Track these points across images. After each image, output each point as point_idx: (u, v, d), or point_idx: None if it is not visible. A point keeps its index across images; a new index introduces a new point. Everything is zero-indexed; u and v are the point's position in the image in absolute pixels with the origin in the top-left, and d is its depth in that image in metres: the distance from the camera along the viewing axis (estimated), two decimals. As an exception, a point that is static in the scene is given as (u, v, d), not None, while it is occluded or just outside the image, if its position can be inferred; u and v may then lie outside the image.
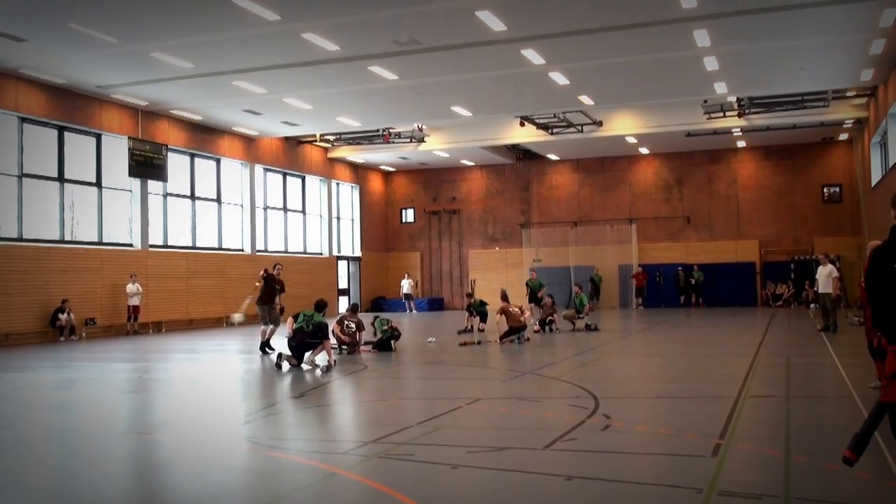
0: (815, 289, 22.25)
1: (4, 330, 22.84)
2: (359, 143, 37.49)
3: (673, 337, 22.22)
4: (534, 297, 25.05)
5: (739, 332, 22.68)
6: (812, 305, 34.54)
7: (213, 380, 14.56)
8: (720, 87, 26.34)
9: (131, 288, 26.27)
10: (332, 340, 16.94)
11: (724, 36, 20.85)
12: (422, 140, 36.17)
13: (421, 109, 29.64)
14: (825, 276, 20.90)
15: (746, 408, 9.83)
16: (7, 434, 9.43)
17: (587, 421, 8.94)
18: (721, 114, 31.24)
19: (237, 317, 19.61)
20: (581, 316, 24.09)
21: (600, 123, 33.22)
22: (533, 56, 22.17)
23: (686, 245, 39.23)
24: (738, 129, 33.86)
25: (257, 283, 19.17)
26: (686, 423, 9.03)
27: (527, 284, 25.89)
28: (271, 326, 18.38)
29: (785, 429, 8.52)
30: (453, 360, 16.23)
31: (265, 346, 18.26)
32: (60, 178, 25.38)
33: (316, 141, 37.27)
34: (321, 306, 15.99)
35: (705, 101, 29.91)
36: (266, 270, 19.00)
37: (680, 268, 38.47)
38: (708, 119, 31.59)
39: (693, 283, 37.90)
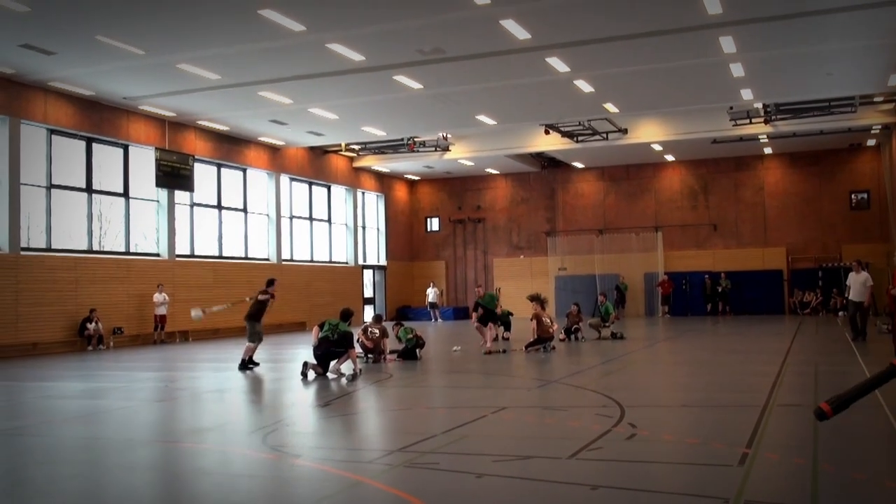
0: (846, 296, 21.45)
1: (33, 339, 23.09)
2: (384, 153, 37.60)
3: (699, 345, 22.08)
4: (490, 316, 20.60)
5: (766, 340, 22.50)
6: (840, 313, 34.27)
7: (238, 389, 14.63)
8: (746, 94, 26.20)
9: (158, 297, 26.49)
10: (358, 349, 16.98)
11: (749, 42, 20.74)
12: (446, 149, 36.22)
13: (445, 118, 29.69)
14: (860, 284, 20.14)
15: (774, 417, 9.75)
16: (37, 442, 9.53)
17: (613, 430, 8.90)
18: (747, 120, 31.07)
19: (195, 313, 18.73)
20: (607, 324, 23.99)
21: (625, 131, 33.13)
22: (558, 64, 22.17)
23: (713, 253, 38.99)
24: (765, 136, 33.62)
25: (247, 299, 18.52)
26: (712, 432, 8.97)
27: (477, 303, 21.15)
28: (255, 344, 17.59)
29: (813, 438, 8.44)
30: (478, 369, 16.21)
31: (248, 364, 17.43)
32: (88, 189, 25.65)
33: (341, 150, 37.41)
34: (347, 315, 16.02)
35: (731, 108, 29.75)
36: (269, 292, 17.95)
37: (707, 275, 38.23)
38: (734, 126, 31.42)
39: (720, 290, 37.63)
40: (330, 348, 15.27)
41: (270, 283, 18.18)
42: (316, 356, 15.39)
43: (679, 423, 9.89)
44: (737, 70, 23.11)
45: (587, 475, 7.04)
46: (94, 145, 25.92)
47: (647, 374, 15.61)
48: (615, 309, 26.50)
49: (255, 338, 17.53)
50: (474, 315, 20.98)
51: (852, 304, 20.73)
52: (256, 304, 17.79)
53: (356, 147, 37.27)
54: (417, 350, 18.52)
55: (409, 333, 18.67)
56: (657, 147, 35.54)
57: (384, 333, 18.43)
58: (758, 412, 9.90)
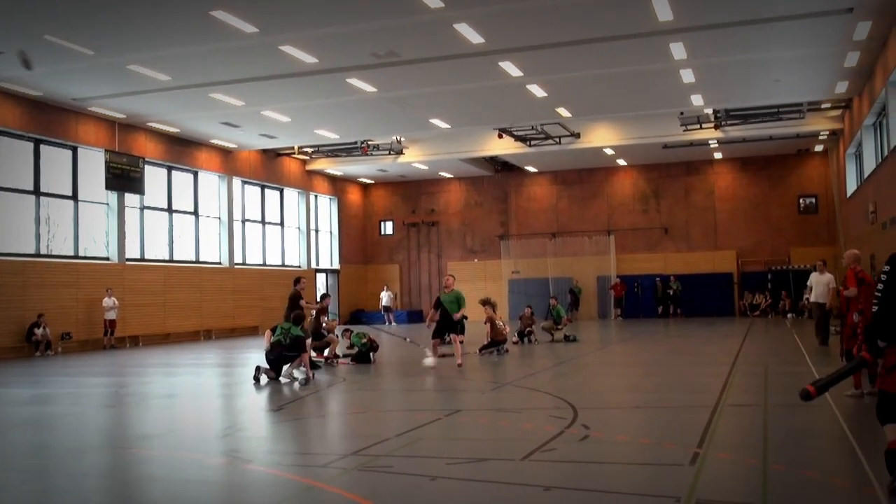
0: (807, 297, 20.49)
1: (-21, 345, 22.61)
2: (337, 156, 37.46)
3: (651, 347, 22.29)
4: (446, 325, 17.23)
5: (717, 342, 22.80)
6: (789, 315, 34.83)
7: (190, 394, 14.47)
8: (696, 99, 26.54)
9: (108, 302, 26.08)
10: (312, 353, 16.89)
11: (699, 49, 21.01)
12: (400, 152, 36.18)
13: (399, 122, 29.67)
14: (823, 285, 18.90)
15: (724, 417, 9.88)
16: (-19, 450, 9.33)
17: (566, 431, 8.95)
18: (698, 126, 31.46)
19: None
20: (559, 327, 24.13)
21: (578, 135, 33.36)
22: (511, 69, 22.26)
23: (664, 256, 39.44)
24: (715, 141, 34.11)
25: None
26: (664, 432, 9.06)
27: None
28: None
29: (763, 437, 8.57)
30: (432, 372, 16.19)
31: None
32: (36, 192, 25.18)
33: (294, 153, 37.20)
34: (298, 319, 15.93)
35: (682, 113, 30.10)
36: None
37: (658, 278, 38.66)
38: (685, 131, 31.80)
39: (672, 293, 38.10)
40: (282, 353, 15.17)
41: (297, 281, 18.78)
42: (268, 360, 15.28)
43: (631, 424, 9.97)
44: (687, 76, 23.41)
45: (540, 476, 7.07)
46: (42, 147, 25.45)
47: (599, 377, 15.72)
48: (568, 312, 26.69)
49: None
50: (432, 313, 17.63)
51: (816, 307, 19.55)
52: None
53: (309, 150, 37.09)
54: (371, 354, 18.48)
55: (363, 338, 18.64)
56: (609, 151, 35.85)
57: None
58: (709, 412, 10.02)
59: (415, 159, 36.81)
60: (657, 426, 9.67)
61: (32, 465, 8.52)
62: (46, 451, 9.21)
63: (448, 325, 17.18)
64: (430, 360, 16.67)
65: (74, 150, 26.57)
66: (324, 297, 19.39)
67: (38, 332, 23.84)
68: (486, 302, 20.82)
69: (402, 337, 20.74)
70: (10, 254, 24.12)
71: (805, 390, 5.80)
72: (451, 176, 42.32)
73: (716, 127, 31.63)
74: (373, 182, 44.08)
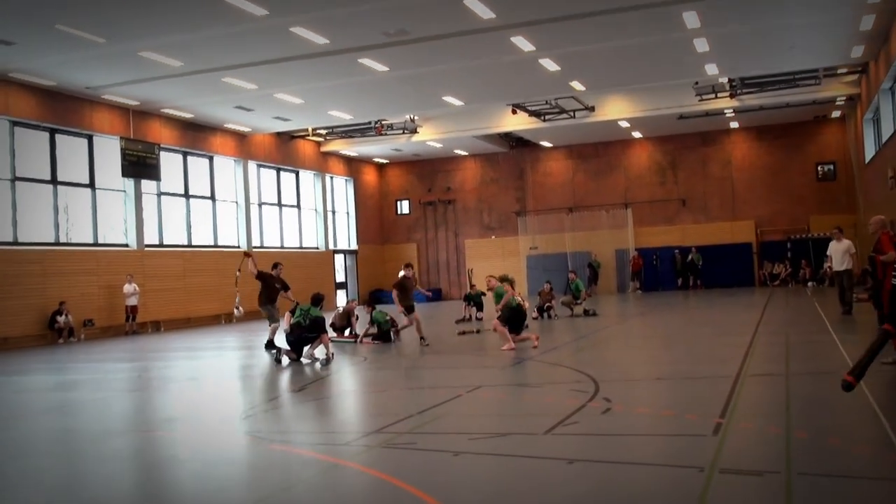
0: (829, 266, 20.16)
1: (3, 334, 22.82)
2: (351, 137, 37.45)
3: (671, 319, 22.23)
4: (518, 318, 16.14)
5: (737, 312, 22.70)
6: (810, 283, 34.62)
7: (213, 376, 14.57)
8: (711, 69, 26.32)
9: (128, 288, 26.25)
10: (331, 332, 16.96)
11: (713, 17, 20.81)
12: (414, 131, 36.11)
13: (412, 100, 29.60)
14: (841, 253, 18.69)
15: (746, 386, 9.85)
16: (11, 436, 9.43)
17: (588, 405, 8.95)
18: (713, 95, 31.23)
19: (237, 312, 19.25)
20: (578, 302, 24.09)
21: (592, 109, 33.18)
22: (522, 43, 22.14)
23: (682, 228, 39.25)
24: (731, 110, 33.85)
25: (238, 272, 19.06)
26: (686, 403, 9.05)
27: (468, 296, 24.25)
28: (275, 325, 17.96)
29: (785, 406, 8.54)
30: (453, 350, 16.22)
31: (270, 344, 17.81)
32: (54, 181, 25.32)
33: (308, 135, 37.20)
34: (318, 300, 15.97)
35: (696, 83, 29.89)
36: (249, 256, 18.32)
37: (677, 250, 38.48)
38: (700, 101, 31.57)
39: (691, 263, 37.85)
40: (302, 334, 15.23)
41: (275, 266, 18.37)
42: (289, 342, 15.35)
43: (653, 396, 9.95)
44: (701, 45, 23.20)
45: (564, 450, 7.07)
46: (58, 136, 25.56)
47: (620, 350, 15.69)
48: (587, 286, 26.57)
49: (272, 321, 17.33)
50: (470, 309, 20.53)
51: (837, 276, 19.24)
52: (262, 288, 17.69)
53: (323, 132, 37.09)
54: (392, 332, 18.54)
55: (386, 316, 18.71)
56: (624, 124, 35.64)
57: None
58: (731, 383, 9.98)
59: (429, 138, 36.73)
60: (679, 397, 9.66)
61: (59, 451, 8.60)
62: (72, 436, 9.30)
63: (519, 318, 16.00)
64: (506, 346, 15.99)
65: (90, 138, 26.67)
66: (275, 265, 18.77)
67: (61, 319, 24.04)
68: (503, 279, 20.62)
69: (475, 330, 20.14)
70: (30, 243, 24.31)
71: (845, 381, 5.73)
72: (466, 153, 42.21)
73: (731, 96, 31.37)
74: (388, 162, 44.05)
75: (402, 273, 18.28)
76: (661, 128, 37.36)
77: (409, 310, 17.72)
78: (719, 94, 31.23)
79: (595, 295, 34.21)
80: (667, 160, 39.73)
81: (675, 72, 27.05)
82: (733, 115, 34.99)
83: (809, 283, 34.82)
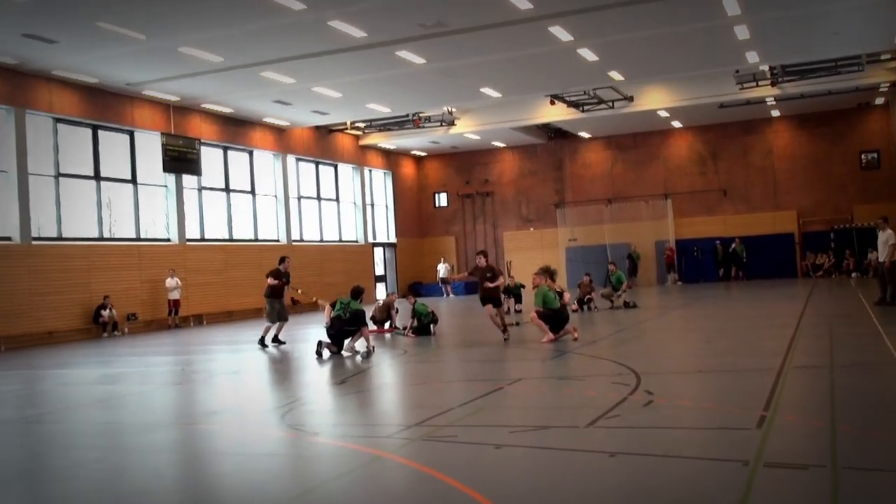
0: (874, 256, 19.57)
1: (49, 328, 23.20)
2: (389, 130, 37.53)
3: (713, 311, 22.05)
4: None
5: (780, 304, 22.46)
6: (854, 274, 34.15)
7: (254, 369, 14.69)
8: (752, 57, 25.99)
9: (171, 282, 26.56)
10: (372, 326, 17.03)
11: (754, 3, 20.54)
12: (452, 123, 36.10)
13: (450, 92, 29.57)
14: (881, 243, 18.47)
15: (790, 379, 9.74)
16: (57, 428, 9.59)
17: (629, 398, 8.90)
18: (754, 83, 30.83)
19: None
20: (619, 293, 23.94)
21: (631, 99, 32.93)
22: (560, 33, 22.01)
23: (723, 218, 38.83)
24: (772, 99, 33.42)
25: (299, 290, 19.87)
26: (729, 396, 8.96)
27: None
28: (278, 323, 18.06)
29: (830, 399, 8.44)
30: (492, 342, 16.21)
31: (264, 340, 17.89)
32: (96, 177, 25.66)
33: (347, 129, 37.33)
34: (358, 293, 16.04)
35: (737, 72, 29.53)
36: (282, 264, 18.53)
37: (718, 241, 38.09)
38: (741, 89, 31.20)
39: (733, 253, 37.34)
40: (343, 327, 15.30)
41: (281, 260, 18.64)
42: (329, 335, 15.43)
43: (695, 389, 9.88)
44: (741, 32, 22.91)
45: (605, 443, 7.05)
46: (100, 132, 25.90)
47: (661, 342, 15.59)
48: (627, 278, 26.33)
49: (272, 318, 18.04)
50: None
51: (879, 266, 19.03)
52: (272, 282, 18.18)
53: (361, 125, 37.20)
54: (432, 325, 18.57)
55: (427, 308, 18.75)
56: (664, 114, 35.34)
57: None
58: (774, 375, 9.88)
59: (467, 130, 36.70)
60: (722, 390, 9.57)
61: (104, 443, 8.72)
62: (117, 429, 9.43)
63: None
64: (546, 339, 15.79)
65: (131, 134, 26.99)
66: (282, 259, 18.84)
67: (105, 313, 24.38)
68: (545, 271, 20.29)
69: (514, 323, 19.62)
70: (74, 238, 24.68)
71: None
72: (504, 145, 42.11)
73: (772, 84, 30.95)
74: (426, 154, 44.08)
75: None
76: (701, 117, 36.97)
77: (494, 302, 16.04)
78: (760, 83, 30.82)
79: (635, 287, 33.97)
80: (707, 150, 39.32)
81: (715, 60, 26.74)
82: (774, 103, 34.55)
83: (853, 274, 34.33)
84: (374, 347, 15.49)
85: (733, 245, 37.42)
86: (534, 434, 7.49)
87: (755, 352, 12.76)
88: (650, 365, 11.71)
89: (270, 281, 18.09)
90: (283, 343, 17.88)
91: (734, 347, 13.59)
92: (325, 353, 15.19)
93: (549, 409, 8.96)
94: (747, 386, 9.61)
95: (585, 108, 33.71)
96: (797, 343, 13.13)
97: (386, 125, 36.86)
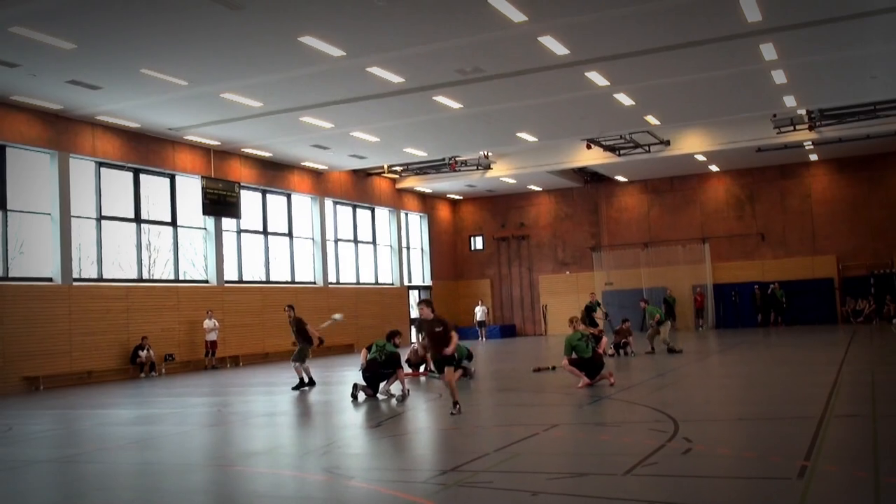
0: None
1: (87, 367, 23.44)
2: (426, 173, 37.76)
3: (752, 357, 21.78)
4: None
5: (820, 350, 22.15)
6: (895, 320, 33.60)
7: (290, 412, 14.72)
8: (789, 101, 25.90)
9: (208, 323, 26.77)
10: (407, 369, 17.01)
11: (791, 48, 20.52)
12: (488, 167, 36.25)
13: (486, 137, 29.73)
14: None
15: (832, 428, 9.58)
16: (94, 469, 9.66)
17: (667, 445, 8.80)
18: (791, 127, 30.69)
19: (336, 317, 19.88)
20: (653, 325, 23.57)
21: (668, 143, 32.91)
22: (597, 78, 22.11)
23: (761, 263, 38.44)
24: (810, 143, 33.19)
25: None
26: (770, 445, 8.83)
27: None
28: (297, 364, 18.23)
29: (873, 449, 8.28)
30: (528, 387, 16.13)
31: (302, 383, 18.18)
32: (137, 219, 26.06)
33: (384, 172, 37.61)
34: (393, 335, 16.07)
35: (774, 116, 29.42)
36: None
37: (756, 286, 37.69)
38: (778, 133, 31.05)
39: (773, 298, 36.81)
40: (378, 370, 15.31)
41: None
42: (365, 378, 15.44)
43: (735, 437, 9.75)
44: (779, 77, 22.88)
45: (644, 491, 6.96)
46: (142, 176, 26.34)
47: (699, 388, 15.42)
48: (664, 322, 25.84)
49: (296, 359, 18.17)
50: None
51: None
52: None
53: (398, 168, 37.47)
54: (465, 362, 18.43)
55: (465, 349, 18.61)
56: (701, 158, 35.23)
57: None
58: (815, 424, 9.73)
59: (503, 173, 36.81)
60: (762, 439, 9.43)
61: (140, 483, 8.77)
62: (154, 469, 9.48)
63: (594, 367, 15.39)
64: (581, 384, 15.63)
65: (172, 177, 27.41)
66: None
67: (143, 353, 24.60)
68: (576, 319, 19.65)
69: (550, 367, 19.40)
70: (114, 279, 25.02)
71: None
72: (540, 189, 42.17)
73: (810, 128, 30.78)
74: (461, 198, 44.24)
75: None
76: (738, 161, 36.80)
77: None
78: (798, 127, 30.68)
79: (673, 330, 33.59)
80: (744, 194, 39.08)
81: (752, 104, 26.69)
82: (812, 147, 34.30)
83: (894, 320, 33.78)
84: (409, 391, 15.47)
85: (771, 287, 36.97)
86: (571, 481, 7.42)
87: (795, 399, 12.58)
88: (688, 411, 11.59)
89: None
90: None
91: (774, 395, 13.40)
92: (361, 395, 15.20)
93: (585, 455, 8.88)
94: (788, 434, 9.48)
95: (622, 151, 33.73)
96: (838, 391, 12.93)
97: (422, 169, 37.10)
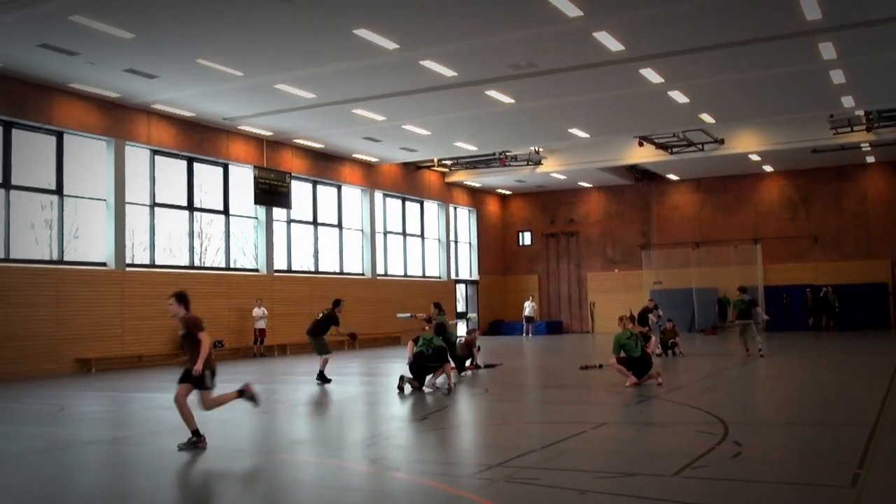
0: None
1: (138, 351, 23.81)
2: (475, 167, 37.71)
3: (802, 361, 21.46)
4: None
5: (873, 356, 21.74)
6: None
7: (336, 402, 14.80)
8: (847, 101, 25.42)
9: (257, 312, 27.02)
10: (453, 363, 17.03)
11: (850, 48, 20.12)
12: (539, 163, 36.12)
13: (537, 132, 29.63)
14: None
15: (885, 435, 9.40)
16: (144, 451, 9.81)
17: (717, 447, 8.69)
18: (848, 128, 30.13)
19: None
20: (760, 321, 22.27)
21: (722, 141, 32.50)
22: (651, 75, 21.90)
23: (814, 265, 37.81)
24: (867, 144, 32.57)
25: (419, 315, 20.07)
26: (821, 450, 8.69)
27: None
28: (323, 357, 17.75)
29: (929, 458, 8.12)
30: (575, 384, 16.05)
31: (321, 375, 17.59)
32: (190, 207, 26.38)
33: (433, 166, 37.65)
34: (441, 330, 16.08)
35: (831, 116, 28.91)
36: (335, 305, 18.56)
37: (808, 289, 37.08)
38: (835, 134, 30.52)
39: (825, 302, 36.12)
40: (425, 363, 15.33)
41: (337, 303, 18.53)
42: (412, 371, 15.47)
43: (786, 442, 9.60)
44: (837, 77, 22.47)
45: (694, 494, 6.88)
46: (195, 164, 26.66)
47: (749, 391, 15.23)
48: (716, 322, 24.99)
49: (320, 351, 17.81)
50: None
51: None
52: (320, 319, 18.17)
53: (448, 162, 37.48)
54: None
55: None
56: (755, 157, 34.75)
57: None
58: (867, 430, 9.55)
59: (553, 169, 36.66)
60: (813, 444, 9.28)
61: (187, 469, 8.86)
62: (202, 454, 9.58)
63: (642, 367, 15.27)
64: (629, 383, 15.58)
65: (225, 166, 27.70)
66: (336, 302, 18.70)
67: (193, 340, 24.86)
68: (628, 318, 19.16)
69: (597, 365, 19.48)
70: (167, 266, 25.37)
71: None
72: (591, 185, 41.90)
73: (868, 129, 30.20)
74: (511, 193, 44.14)
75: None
76: (793, 161, 36.23)
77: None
78: (855, 128, 30.12)
79: (724, 331, 33.22)
80: (798, 195, 38.47)
81: (809, 104, 26.25)
82: (870, 149, 33.65)
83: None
84: (455, 384, 15.47)
85: (824, 290, 36.31)
86: (619, 481, 7.36)
87: (847, 405, 12.37)
88: (738, 414, 11.44)
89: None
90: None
91: (825, 400, 13.20)
92: (407, 388, 15.22)
93: (633, 455, 8.80)
94: (840, 441, 9.31)
95: (674, 150, 33.39)
96: (891, 398, 12.67)
97: (472, 163, 37.07)
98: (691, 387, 15.39)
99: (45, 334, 21.59)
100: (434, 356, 15.35)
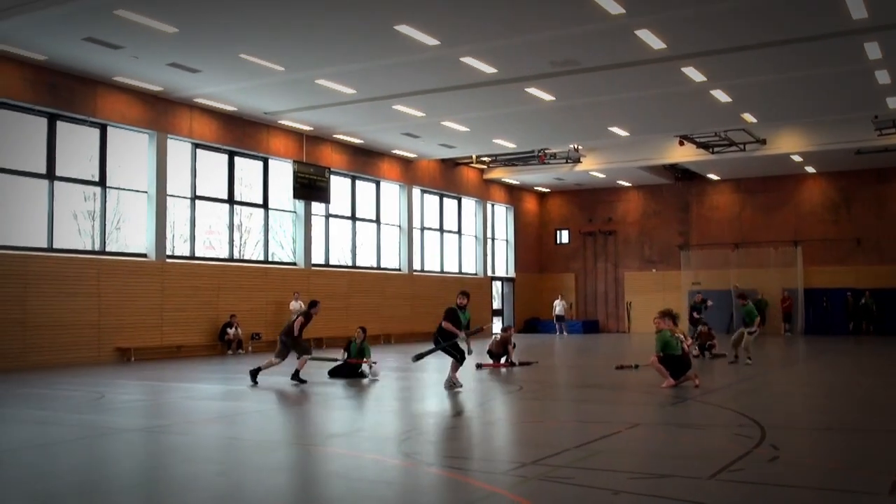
0: None
1: (177, 342, 24.09)
2: (514, 165, 37.65)
3: (840, 366, 21.19)
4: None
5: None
6: None
7: (372, 396, 14.87)
8: (893, 102, 25.02)
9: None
10: (488, 360, 17.00)
11: (897, 48, 19.84)
12: (577, 161, 35.97)
13: (577, 130, 29.52)
14: None
15: (927, 442, 9.28)
16: (181, 441, 9.92)
17: (753, 451, 8.62)
18: (893, 130, 29.67)
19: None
20: (751, 331, 22.25)
21: (764, 142, 32.16)
22: (693, 74, 21.72)
23: (855, 269, 37.26)
24: (912, 147, 32.08)
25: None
26: (860, 457, 8.59)
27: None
28: (305, 357, 17.57)
29: (971, 466, 7.99)
30: (610, 384, 15.99)
31: (296, 375, 17.28)
32: (230, 200, 26.62)
33: (472, 163, 37.64)
34: (463, 295, 16.13)
35: (876, 117, 28.49)
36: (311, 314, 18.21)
37: (849, 293, 36.58)
38: (879, 136, 30.07)
39: (864, 307, 35.67)
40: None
41: (313, 304, 18.33)
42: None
43: (823, 447, 9.50)
44: (882, 77, 22.13)
45: (729, 497, 6.82)
46: (236, 158, 26.89)
47: (786, 395, 15.06)
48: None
49: (278, 355, 17.49)
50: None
51: None
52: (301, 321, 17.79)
53: (486, 159, 37.44)
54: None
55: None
56: (797, 158, 34.32)
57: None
58: (909, 437, 9.43)
59: (592, 168, 36.48)
60: (851, 450, 9.17)
61: (224, 459, 8.98)
62: (237, 445, 9.69)
63: (681, 366, 15.26)
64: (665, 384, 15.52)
65: (265, 160, 27.92)
66: (312, 303, 18.55)
67: (231, 331, 25.17)
68: (666, 314, 18.70)
69: (633, 365, 19.12)
70: (205, 258, 25.63)
71: None
72: (630, 184, 41.65)
73: (913, 131, 29.74)
74: (549, 191, 44.00)
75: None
76: (835, 163, 35.72)
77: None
78: (901, 130, 29.67)
79: (763, 334, 32.79)
80: (840, 197, 37.93)
81: (853, 104, 25.90)
82: (915, 151, 33.14)
83: None
84: (460, 382, 15.10)
85: (863, 299, 35.81)
86: (653, 482, 7.33)
87: (886, 411, 12.22)
88: (775, 418, 11.33)
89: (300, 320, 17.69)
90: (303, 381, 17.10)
91: (864, 405, 13.03)
92: (453, 387, 14.78)
93: (668, 456, 8.75)
94: (879, 448, 9.21)
95: (715, 149, 33.10)
96: (934, 404, 12.50)
97: (511, 160, 37.01)
98: (728, 389, 15.27)
99: (86, 323, 21.93)
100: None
